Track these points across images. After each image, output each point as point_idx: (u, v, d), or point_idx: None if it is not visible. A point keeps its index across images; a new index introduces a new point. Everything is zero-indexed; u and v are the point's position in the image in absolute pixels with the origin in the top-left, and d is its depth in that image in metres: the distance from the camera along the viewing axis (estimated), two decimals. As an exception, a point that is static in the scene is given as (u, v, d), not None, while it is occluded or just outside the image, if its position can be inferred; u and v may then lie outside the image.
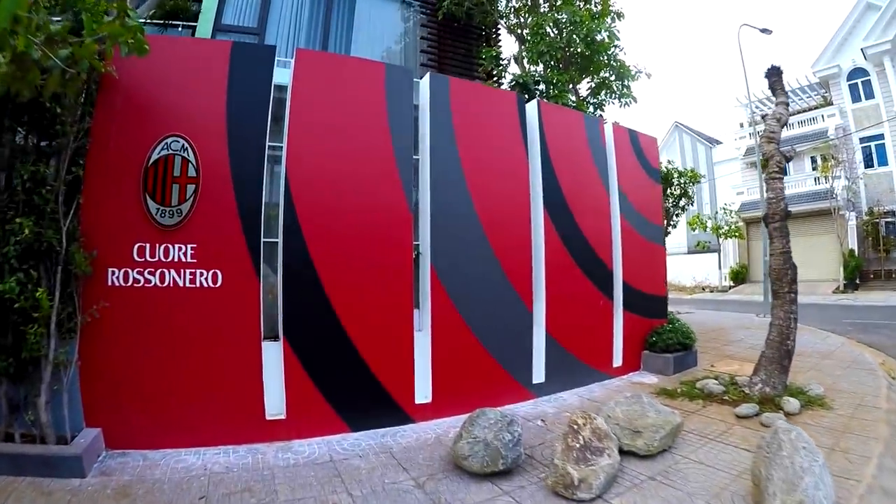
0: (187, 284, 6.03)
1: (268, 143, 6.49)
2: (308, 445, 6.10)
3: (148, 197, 5.98)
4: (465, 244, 7.69)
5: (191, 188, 6.10)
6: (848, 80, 31.90)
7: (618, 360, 9.73)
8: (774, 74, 8.93)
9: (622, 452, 5.22)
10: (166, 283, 5.98)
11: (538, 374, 8.30)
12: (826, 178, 29.49)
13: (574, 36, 11.78)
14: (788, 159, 8.82)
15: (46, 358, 5.20)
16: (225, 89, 6.41)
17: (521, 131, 8.58)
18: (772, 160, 8.46)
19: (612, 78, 12.94)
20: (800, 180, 31.40)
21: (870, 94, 31.12)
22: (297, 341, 6.44)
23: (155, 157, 6.05)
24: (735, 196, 35.40)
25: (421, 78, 8.02)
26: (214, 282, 6.10)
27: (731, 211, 31.03)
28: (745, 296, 30.01)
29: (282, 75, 6.96)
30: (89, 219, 5.70)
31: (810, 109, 33.71)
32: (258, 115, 6.50)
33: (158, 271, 5.96)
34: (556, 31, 12.32)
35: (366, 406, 6.71)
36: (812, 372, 8.35)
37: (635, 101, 12.91)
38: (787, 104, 8.97)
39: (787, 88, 31.97)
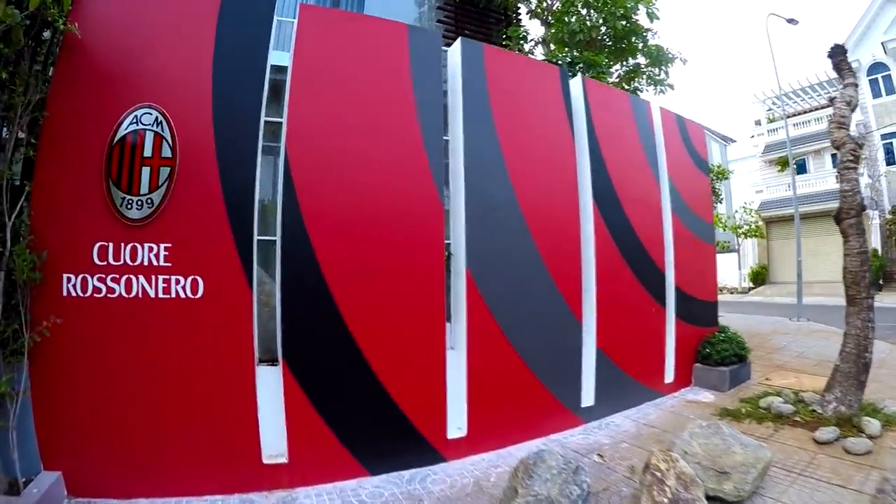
0: (160, 295, 4.64)
1: (263, 118, 5.10)
2: (317, 495, 4.83)
3: (112, 184, 4.58)
4: (506, 242, 6.30)
5: (165, 172, 4.70)
6: (868, 74, 29.70)
7: (669, 376, 8.34)
8: (839, 54, 7.59)
9: (707, 498, 4.28)
10: (134, 293, 4.59)
11: (587, 396, 6.96)
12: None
13: (610, 15, 10.25)
14: (861, 146, 7.38)
15: (-14, 387, 3.97)
16: (211, 49, 5.02)
17: (565, 111, 7.15)
18: (843, 148, 7.18)
19: (646, 63, 11.44)
20: (820, 178, 29.58)
21: (890, 90, 29.22)
22: (300, 365, 5.03)
23: (122, 133, 4.65)
24: (754, 195, 33.66)
25: (449, 46, 6.61)
26: (194, 291, 4.71)
27: (751, 210, 29.52)
28: (767, 297, 28.19)
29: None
30: (40, 212, 4.46)
31: (830, 105, 31.53)
32: (252, 81, 5.10)
33: (124, 278, 4.58)
34: (588, 11, 10.79)
35: (387, 444, 5.36)
36: (873, 384, 7.13)
37: (672, 88, 11.44)
38: (856, 85, 7.66)
39: (805, 84, 30.53)
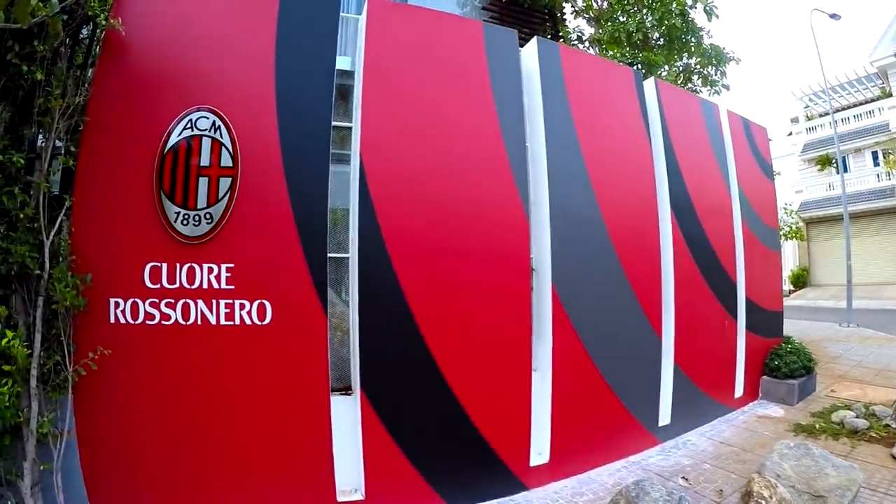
0: (222, 321, 3.93)
1: (333, 123, 4.36)
2: (394, 531, 4.15)
3: (164, 196, 3.87)
4: (589, 255, 5.60)
5: (225, 183, 3.98)
6: None
7: (739, 390, 7.61)
8: None
9: (805, 524, 3.99)
10: (192, 320, 3.88)
11: (664, 415, 6.30)
12: (889, 174, 26.38)
13: (667, 13, 9.42)
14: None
15: (28, 426, 3.44)
16: (273, 46, 4.29)
17: (641, 115, 6.43)
18: None
19: (697, 62, 10.60)
20: (861, 177, 27.67)
21: None
22: (379, 394, 4.33)
23: (174, 140, 3.94)
24: (794, 195, 32.01)
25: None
26: (261, 317, 4.00)
27: (791, 211, 28.14)
28: (810, 301, 26.55)
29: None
30: (83, 229, 3.78)
31: (868, 102, 29.87)
32: (319, 79, 4.38)
33: (180, 303, 3.87)
34: (642, 9, 9.96)
35: (468, 473, 4.72)
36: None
37: (728, 89, 10.57)
38: None
39: (843, 80, 29.19)
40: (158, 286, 3.82)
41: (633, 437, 5.89)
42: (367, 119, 4.43)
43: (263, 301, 3.98)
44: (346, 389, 4.40)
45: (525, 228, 5.03)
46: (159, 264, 3.83)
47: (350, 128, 4.58)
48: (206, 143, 3.95)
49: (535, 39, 5.65)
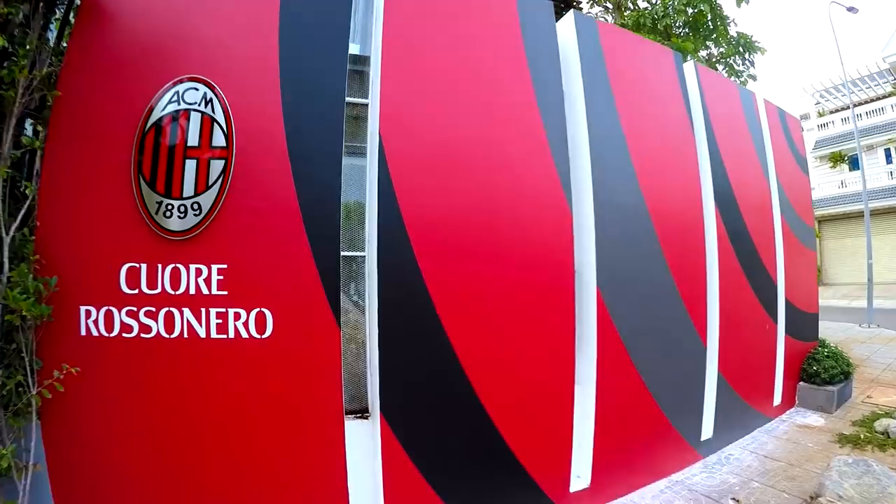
0: (213, 334, 3.09)
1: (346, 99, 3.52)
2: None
3: (144, 183, 3.06)
4: (635, 254, 4.77)
5: (217, 167, 3.15)
6: None
7: (778, 398, 6.79)
8: None
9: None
10: (177, 332, 3.06)
11: (707, 428, 5.49)
12: None
13: (696, -1, 8.58)
14: None
15: (-15, 457, 2.66)
16: (277, 8, 3.47)
17: (683, 100, 5.57)
18: None
19: (721, 51, 9.75)
20: (875, 175, 26.33)
21: None
22: (402, 418, 3.50)
23: (157, 115, 3.11)
24: None
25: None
26: (261, 329, 3.16)
27: (805, 208, 27.14)
28: (825, 300, 25.67)
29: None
30: (49, 224, 3.02)
31: (881, 98, 28.54)
32: (333, 48, 3.54)
33: (163, 311, 3.05)
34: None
35: None
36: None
37: (754, 79, 9.71)
38: None
39: (856, 76, 28.15)
40: (137, 291, 3.01)
41: (675, 454, 5.12)
42: (388, 94, 3.59)
43: (263, 309, 3.15)
44: (361, 412, 3.57)
45: (568, 223, 4.20)
46: (138, 265, 3.02)
47: (365, 105, 3.75)
48: (195, 118, 3.14)
49: (571, 13, 4.80)
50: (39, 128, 3.15)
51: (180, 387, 3.08)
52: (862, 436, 5.83)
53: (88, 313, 2.97)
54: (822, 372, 7.09)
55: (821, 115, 30.39)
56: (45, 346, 2.90)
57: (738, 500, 4.41)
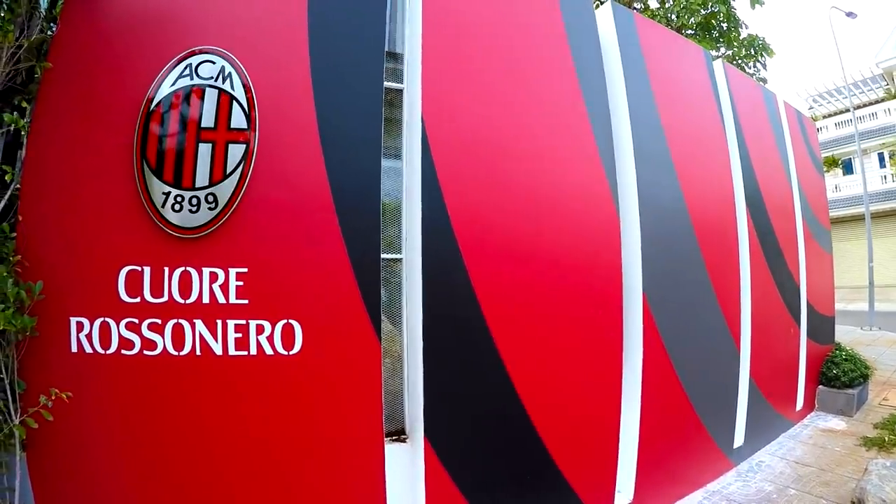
0: (231, 351, 2.55)
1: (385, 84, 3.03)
2: None
3: (149, 171, 2.51)
4: (677, 258, 4.37)
5: (236, 152, 2.61)
6: None
7: (800, 402, 6.50)
8: None
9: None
10: (187, 350, 2.52)
11: (739, 435, 5.15)
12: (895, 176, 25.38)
13: (713, -1, 8.20)
14: None
15: (-39, 499, 2.30)
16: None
17: (715, 99, 5.21)
18: None
19: (733, 53, 9.41)
20: (869, 179, 26.29)
21: None
22: (447, 440, 2.98)
23: (166, 91, 2.59)
24: None
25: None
26: (288, 345, 2.61)
27: (800, 212, 27.12)
28: None
29: None
30: (34, 218, 2.51)
31: (874, 103, 28.17)
32: (368, 24, 3.03)
33: (170, 324, 2.51)
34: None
35: None
36: None
37: (765, 82, 9.39)
38: None
39: (850, 81, 28.17)
40: (139, 300, 2.48)
41: (711, 463, 4.80)
42: (430, 79, 3.08)
43: (291, 321, 2.61)
44: (398, 433, 3.03)
45: (615, 224, 3.75)
46: (140, 268, 2.49)
47: (400, 96, 3.21)
48: (211, 95, 2.60)
49: (609, 3, 4.35)
50: (25, 104, 2.61)
51: (192, 413, 2.55)
52: (887, 438, 5.67)
53: (80, 326, 2.46)
54: (841, 375, 6.84)
55: (814, 119, 30.48)
56: (30, 365, 2.42)
57: (777, 510, 4.15)
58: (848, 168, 26.42)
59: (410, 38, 3.21)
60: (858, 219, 19.06)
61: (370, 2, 3.03)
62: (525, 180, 3.37)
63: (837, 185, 26.38)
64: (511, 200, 3.29)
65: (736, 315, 5.01)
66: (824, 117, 29.53)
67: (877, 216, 24.62)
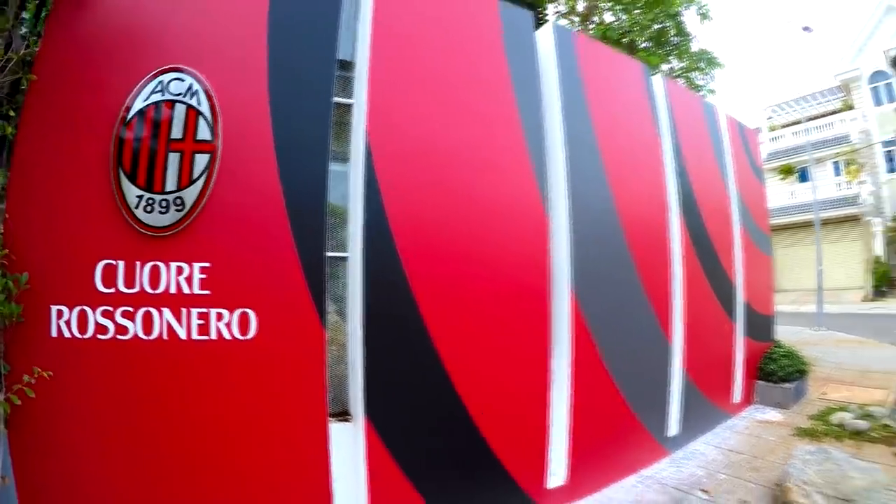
0: (194, 335, 2.88)
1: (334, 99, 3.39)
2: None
3: (123, 176, 2.84)
4: (606, 257, 4.79)
5: (201, 161, 2.94)
6: (869, 83, 27.33)
7: (737, 395, 6.93)
8: None
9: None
10: (156, 334, 2.83)
11: (673, 424, 5.55)
12: (850, 183, 26.02)
13: (662, 14, 8.64)
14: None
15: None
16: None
17: (651, 111, 5.69)
18: None
19: (683, 66, 9.90)
20: (823, 187, 26.54)
21: (891, 98, 26.54)
22: (386, 420, 3.35)
23: (140, 105, 2.91)
24: None
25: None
26: (243, 331, 2.95)
27: (754, 218, 27.77)
28: (776, 306, 26.38)
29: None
30: (20, 216, 2.79)
31: (831, 114, 29.28)
32: (321, 43, 3.38)
33: (141, 312, 2.82)
34: (629, 10, 9.17)
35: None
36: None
37: (713, 93, 9.93)
38: None
39: (807, 93, 29.03)
40: (113, 290, 2.79)
41: (644, 450, 5.16)
42: (376, 93, 3.45)
43: (246, 310, 2.95)
44: (343, 414, 3.39)
45: (545, 228, 4.17)
46: (115, 262, 2.80)
47: (349, 108, 3.57)
48: (180, 110, 2.93)
49: (550, 23, 4.82)
50: (12, 113, 2.89)
51: (159, 391, 2.86)
52: (819, 428, 6.02)
53: (60, 313, 2.75)
54: (778, 370, 7.27)
55: (772, 129, 31.35)
56: (14, 348, 2.67)
57: (706, 491, 4.45)
58: (804, 176, 27.27)
59: (359, 55, 3.56)
60: (812, 224, 19.83)
61: (323, 28, 3.37)
62: (461, 188, 3.74)
63: (793, 192, 27.23)
64: (447, 205, 3.66)
65: (667, 312, 5.40)
66: (783, 126, 30.41)
67: (832, 222, 25.46)
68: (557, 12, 10.65)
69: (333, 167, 3.34)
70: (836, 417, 6.14)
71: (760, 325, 7.68)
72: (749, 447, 5.66)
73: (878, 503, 3.76)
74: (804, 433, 5.93)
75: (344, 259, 3.45)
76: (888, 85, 26.68)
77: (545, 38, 4.71)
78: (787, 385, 7.15)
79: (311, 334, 3.09)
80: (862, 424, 5.79)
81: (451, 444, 3.65)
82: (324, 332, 3.11)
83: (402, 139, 3.54)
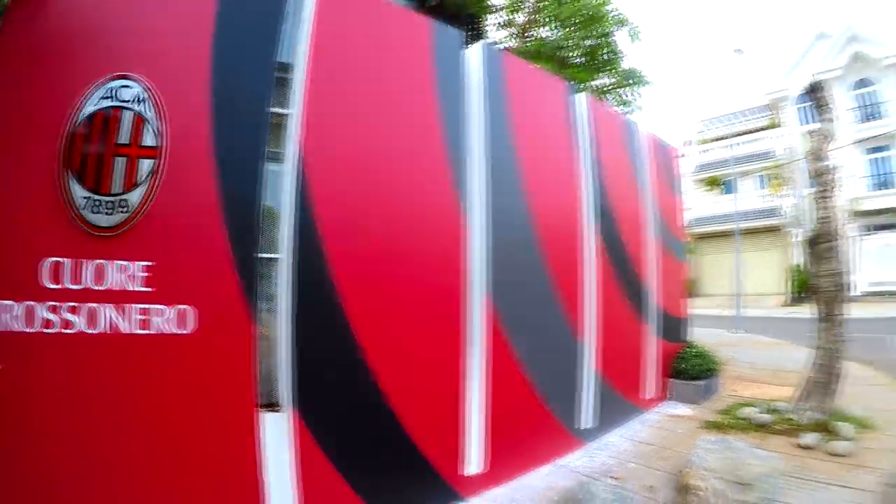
0: (136, 329, 3.07)
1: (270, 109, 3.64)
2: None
3: (71, 177, 2.99)
4: (521, 263, 5.25)
5: (146, 166, 3.14)
6: (796, 103, 29.30)
7: (650, 391, 7.53)
8: (818, 90, 7.10)
9: (739, 511, 3.97)
10: (100, 328, 3.00)
11: (586, 418, 6.03)
12: (773, 196, 27.99)
13: (594, 33, 9.16)
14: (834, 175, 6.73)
15: None
16: (214, 12, 3.51)
17: (571, 127, 6.21)
18: (821, 178, 6.71)
19: (613, 83, 10.48)
20: (749, 198, 28.91)
21: (815, 119, 28.89)
22: (314, 411, 3.62)
23: (90, 109, 3.06)
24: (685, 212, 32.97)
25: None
26: (181, 325, 3.17)
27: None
28: (701, 309, 27.62)
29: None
30: None
31: (759, 130, 31.63)
32: (262, 55, 3.65)
33: (86, 307, 2.98)
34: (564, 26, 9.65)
35: (407, 490, 4.18)
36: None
37: (641, 109, 10.58)
38: (832, 119, 7.13)
39: (737, 110, 30.67)
40: (59, 286, 2.93)
41: (559, 441, 5.57)
42: (312, 104, 3.74)
43: (185, 307, 3.18)
44: (273, 405, 3.64)
45: (461, 231, 4.60)
46: (61, 260, 2.95)
47: (285, 115, 3.83)
48: (128, 116, 3.11)
49: (480, 43, 5.21)
50: None
51: (103, 380, 3.02)
52: (726, 422, 6.43)
53: (9, 308, 2.85)
54: (689, 369, 7.87)
55: (703, 142, 33.05)
56: None
57: (616, 477, 4.84)
58: (729, 188, 28.95)
59: (298, 61, 3.82)
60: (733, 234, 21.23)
61: (265, 40, 3.63)
62: (387, 193, 4.09)
63: (718, 203, 28.86)
64: (374, 210, 3.99)
65: (578, 314, 5.89)
66: (713, 140, 32.17)
67: (756, 231, 27.15)
68: (497, 23, 11.03)
69: (272, 167, 3.62)
70: (744, 412, 6.54)
71: (674, 327, 8.28)
72: (659, 439, 6.05)
73: (774, 487, 4.10)
74: (712, 426, 6.31)
75: (276, 260, 3.69)
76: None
77: (475, 56, 5.10)
78: (698, 382, 7.73)
79: (242, 328, 3.32)
80: (767, 418, 6.16)
81: (376, 436, 3.96)
82: (254, 327, 3.36)
83: (334, 149, 3.82)
